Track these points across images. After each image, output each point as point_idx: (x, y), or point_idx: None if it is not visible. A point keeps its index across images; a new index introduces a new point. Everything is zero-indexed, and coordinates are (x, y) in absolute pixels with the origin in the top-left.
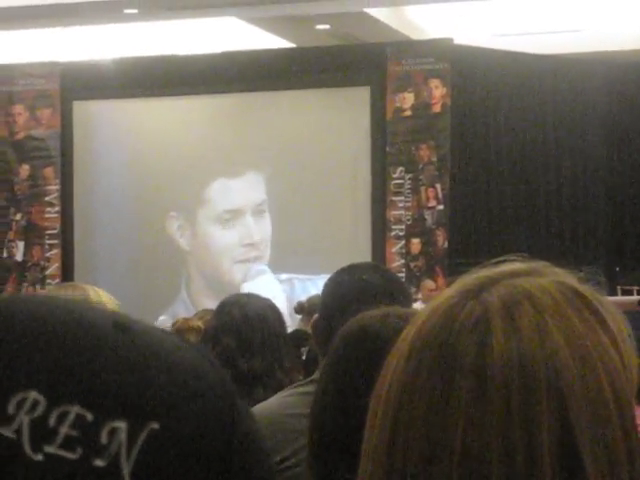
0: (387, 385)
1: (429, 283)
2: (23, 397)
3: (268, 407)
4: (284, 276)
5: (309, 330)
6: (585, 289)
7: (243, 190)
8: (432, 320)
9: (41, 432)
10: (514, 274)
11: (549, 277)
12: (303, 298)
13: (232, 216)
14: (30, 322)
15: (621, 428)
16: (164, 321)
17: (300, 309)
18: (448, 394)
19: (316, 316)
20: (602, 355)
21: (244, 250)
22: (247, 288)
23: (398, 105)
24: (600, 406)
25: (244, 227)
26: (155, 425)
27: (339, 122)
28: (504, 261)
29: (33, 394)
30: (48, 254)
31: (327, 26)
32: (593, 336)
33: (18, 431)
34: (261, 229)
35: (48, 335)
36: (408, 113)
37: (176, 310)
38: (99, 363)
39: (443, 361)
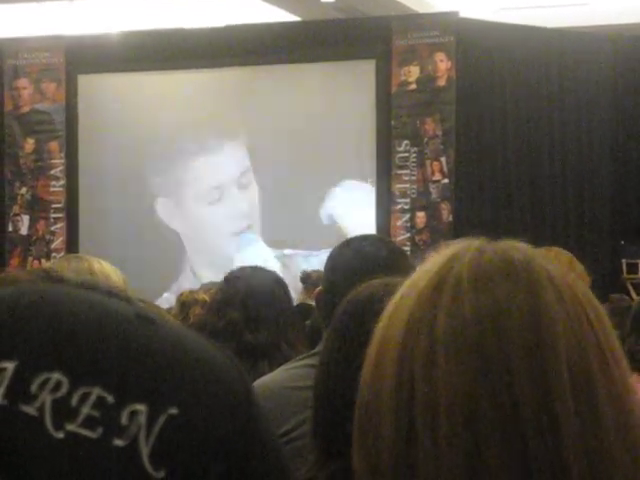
0: (379, 345)
1: None
2: (47, 377)
3: (272, 380)
4: (287, 251)
5: (312, 302)
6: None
7: (223, 164)
8: (423, 275)
9: (63, 411)
10: (480, 245)
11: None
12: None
13: (218, 193)
14: (56, 310)
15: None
16: (168, 298)
17: (306, 278)
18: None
19: (319, 288)
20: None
21: (235, 223)
22: (239, 259)
23: (403, 78)
24: (582, 350)
25: (231, 200)
26: (174, 410)
27: (344, 95)
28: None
29: (57, 375)
30: (53, 228)
31: None
32: (578, 284)
33: (41, 409)
34: (248, 198)
35: (72, 322)
36: (413, 86)
37: (181, 285)
38: (121, 349)
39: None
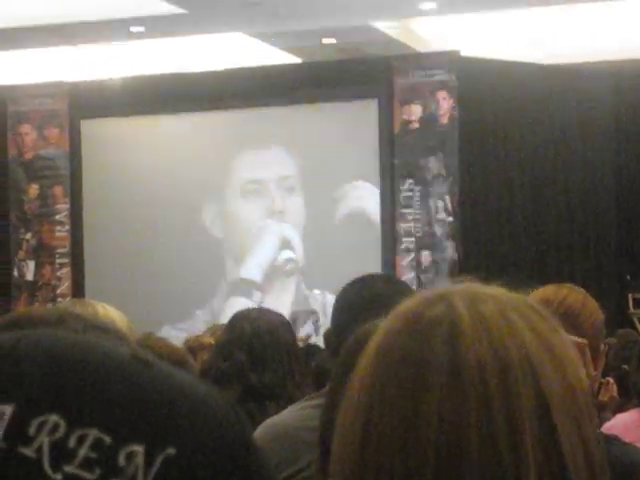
0: (357, 385)
1: None
2: (44, 420)
3: (282, 420)
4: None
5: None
6: (536, 305)
7: (267, 163)
8: (398, 320)
9: (61, 453)
10: (471, 286)
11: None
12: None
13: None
14: (52, 351)
15: (588, 415)
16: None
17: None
18: (420, 393)
19: (328, 328)
20: (565, 351)
21: (268, 221)
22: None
23: (406, 117)
24: (571, 393)
25: (267, 198)
26: (172, 450)
27: (347, 135)
28: (462, 281)
29: (54, 417)
30: (59, 273)
31: (333, 40)
32: (554, 335)
33: (39, 451)
34: (285, 202)
35: (69, 364)
36: (416, 125)
37: (185, 323)
38: (118, 391)
39: (412, 360)
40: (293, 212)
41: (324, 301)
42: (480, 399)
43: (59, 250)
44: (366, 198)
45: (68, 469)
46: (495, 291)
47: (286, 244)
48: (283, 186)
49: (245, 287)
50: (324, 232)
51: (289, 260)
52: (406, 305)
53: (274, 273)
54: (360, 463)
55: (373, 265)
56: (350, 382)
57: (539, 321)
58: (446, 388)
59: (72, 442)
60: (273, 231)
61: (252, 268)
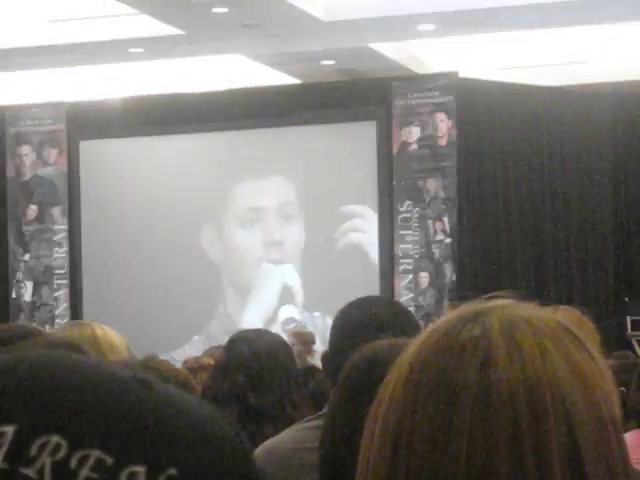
0: (385, 406)
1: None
2: (46, 441)
3: (280, 442)
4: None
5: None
6: (572, 327)
7: (265, 189)
8: (431, 341)
9: (62, 474)
10: (507, 305)
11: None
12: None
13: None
14: (53, 372)
15: (618, 449)
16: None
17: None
18: (451, 416)
19: (326, 350)
20: (598, 381)
21: (266, 251)
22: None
23: (404, 139)
24: (601, 427)
25: (266, 226)
26: (173, 471)
27: (345, 157)
28: (496, 296)
29: (55, 438)
30: (56, 294)
31: (332, 62)
32: (588, 364)
33: (40, 471)
34: (284, 230)
35: (70, 385)
36: (414, 147)
37: (183, 348)
38: (119, 412)
39: (444, 382)
40: (292, 242)
41: (323, 324)
42: (510, 429)
43: (57, 271)
44: (364, 220)
45: None
46: (530, 312)
47: (288, 293)
48: (282, 214)
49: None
50: (323, 255)
51: (290, 320)
52: (441, 324)
53: (274, 325)
54: None
55: (371, 287)
56: (376, 400)
57: (573, 348)
58: (478, 415)
59: (74, 463)
60: (275, 277)
61: (252, 318)
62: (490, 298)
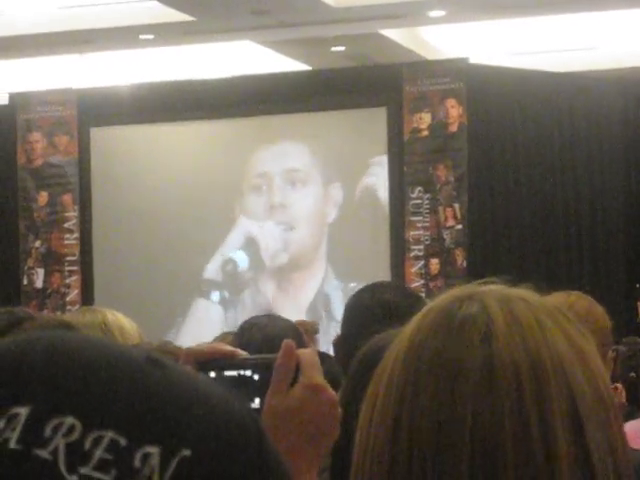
0: (386, 382)
1: None
2: (60, 422)
3: None
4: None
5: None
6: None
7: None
8: (428, 319)
9: (77, 454)
10: (501, 287)
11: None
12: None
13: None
14: (66, 353)
15: (615, 421)
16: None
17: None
18: (453, 389)
19: (338, 335)
20: (594, 357)
21: (268, 214)
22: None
23: (415, 125)
24: (599, 398)
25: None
26: (187, 452)
27: (356, 143)
28: (488, 282)
29: (69, 419)
30: (68, 280)
31: (342, 48)
32: (584, 340)
33: (54, 453)
34: (288, 195)
35: (84, 366)
36: (425, 133)
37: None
38: (133, 392)
39: (445, 358)
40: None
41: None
42: (514, 399)
43: (68, 258)
44: (377, 196)
45: (84, 471)
46: (525, 294)
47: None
48: (290, 182)
49: (206, 287)
50: (332, 236)
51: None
52: (437, 303)
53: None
54: (391, 460)
55: (382, 272)
56: (373, 383)
57: (569, 325)
58: (481, 387)
59: (88, 444)
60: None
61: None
62: (482, 284)
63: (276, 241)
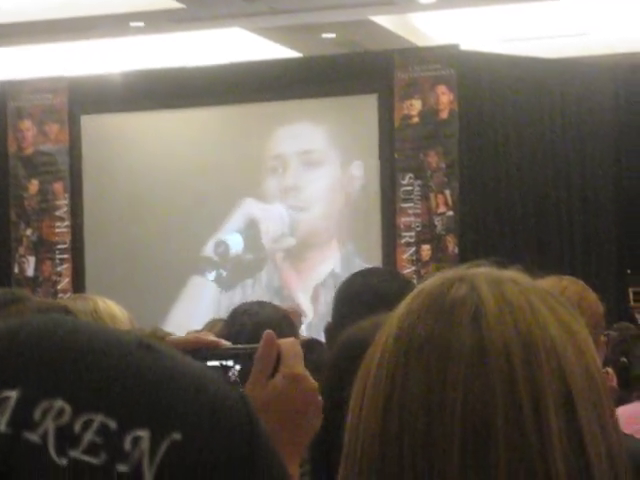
0: (376, 364)
1: None
2: (49, 405)
3: None
4: None
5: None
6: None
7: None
8: (418, 302)
9: (66, 438)
10: (490, 270)
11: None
12: None
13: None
14: (56, 337)
15: (607, 400)
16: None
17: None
18: (444, 371)
19: (329, 321)
20: (585, 338)
21: (280, 196)
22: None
23: (405, 112)
24: (590, 378)
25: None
26: (177, 436)
27: (347, 130)
28: (476, 265)
29: (59, 402)
30: (59, 269)
31: (333, 35)
32: (575, 322)
33: (44, 436)
34: (300, 175)
35: (74, 349)
36: (416, 120)
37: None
38: (123, 376)
39: (436, 339)
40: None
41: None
42: (506, 380)
43: (59, 246)
44: (367, 184)
45: (74, 454)
46: (516, 276)
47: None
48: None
49: (203, 265)
50: (322, 224)
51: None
52: (427, 285)
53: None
54: (382, 443)
55: (374, 259)
56: (363, 366)
57: (560, 307)
58: (472, 368)
59: (77, 427)
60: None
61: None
62: (472, 267)
63: (278, 226)
